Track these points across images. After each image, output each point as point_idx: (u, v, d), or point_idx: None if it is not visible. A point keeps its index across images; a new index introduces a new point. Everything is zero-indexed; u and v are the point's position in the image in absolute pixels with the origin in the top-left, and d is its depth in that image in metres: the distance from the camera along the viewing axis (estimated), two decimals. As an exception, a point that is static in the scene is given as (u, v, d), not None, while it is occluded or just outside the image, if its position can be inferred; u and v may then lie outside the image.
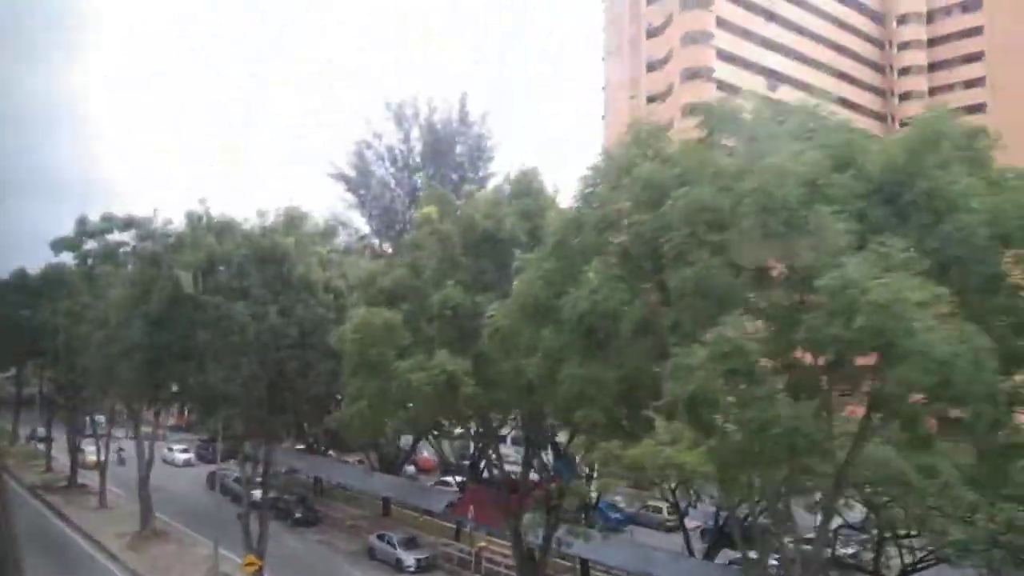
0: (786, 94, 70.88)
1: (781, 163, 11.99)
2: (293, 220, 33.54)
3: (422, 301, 20.56)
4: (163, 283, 30.35)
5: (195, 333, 30.11)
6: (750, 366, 10.99)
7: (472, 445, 40.82)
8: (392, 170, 68.73)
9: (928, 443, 12.90)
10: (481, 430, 28.40)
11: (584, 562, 31.27)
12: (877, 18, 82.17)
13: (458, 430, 33.18)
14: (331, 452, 57.79)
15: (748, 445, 11.16)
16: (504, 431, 31.70)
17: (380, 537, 38.09)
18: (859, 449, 14.89)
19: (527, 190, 22.47)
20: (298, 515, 46.22)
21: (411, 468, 55.56)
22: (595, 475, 31.95)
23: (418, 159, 67.45)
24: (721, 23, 65.59)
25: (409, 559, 35.43)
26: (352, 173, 67.50)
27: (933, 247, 11.65)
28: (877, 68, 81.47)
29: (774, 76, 70.85)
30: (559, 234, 14.94)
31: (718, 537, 30.61)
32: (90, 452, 51.69)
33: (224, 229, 31.98)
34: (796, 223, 11.68)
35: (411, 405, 19.89)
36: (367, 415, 20.78)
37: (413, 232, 23.57)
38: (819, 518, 23.95)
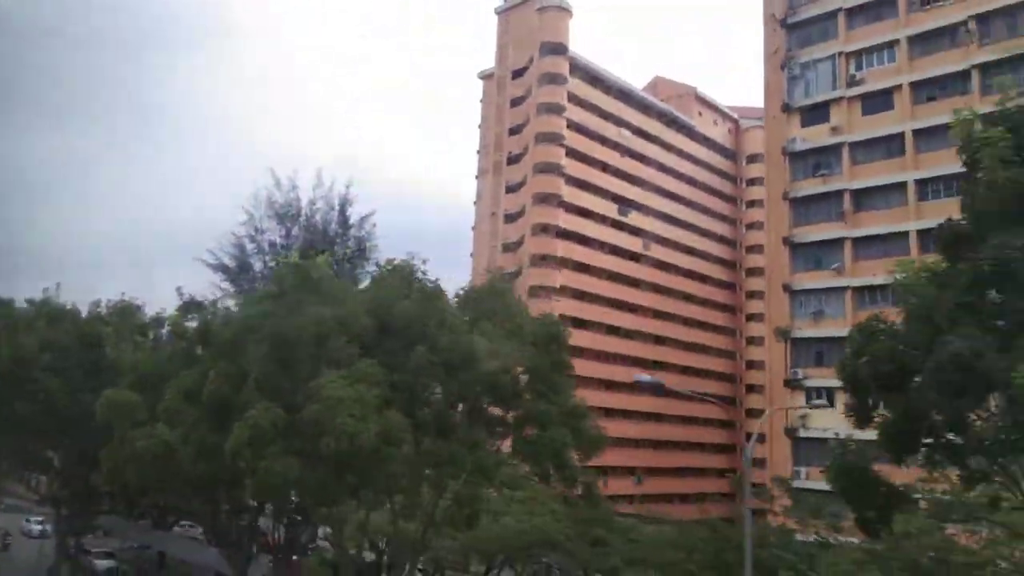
0: (637, 219, 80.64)
1: (321, 310, 19.61)
2: (123, 311, 40.43)
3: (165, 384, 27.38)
4: (-5, 361, 36.50)
5: (16, 407, 36.20)
6: (263, 433, 18.13)
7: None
8: (272, 264, 75.54)
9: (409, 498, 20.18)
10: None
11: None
12: (729, 155, 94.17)
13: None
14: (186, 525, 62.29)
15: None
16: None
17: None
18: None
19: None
20: (132, 585, 50.63)
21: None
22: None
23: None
24: (573, 154, 75.60)
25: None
26: (232, 264, 73.84)
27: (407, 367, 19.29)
28: (728, 199, 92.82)
29: (625, 202, 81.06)
30: (215, 342, 22.22)
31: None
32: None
33: (57, 315, 38.59)
34: (325, 346, 19.22)
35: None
36: (111, 475, 27.18)
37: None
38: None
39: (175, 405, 22.24)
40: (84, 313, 41.24)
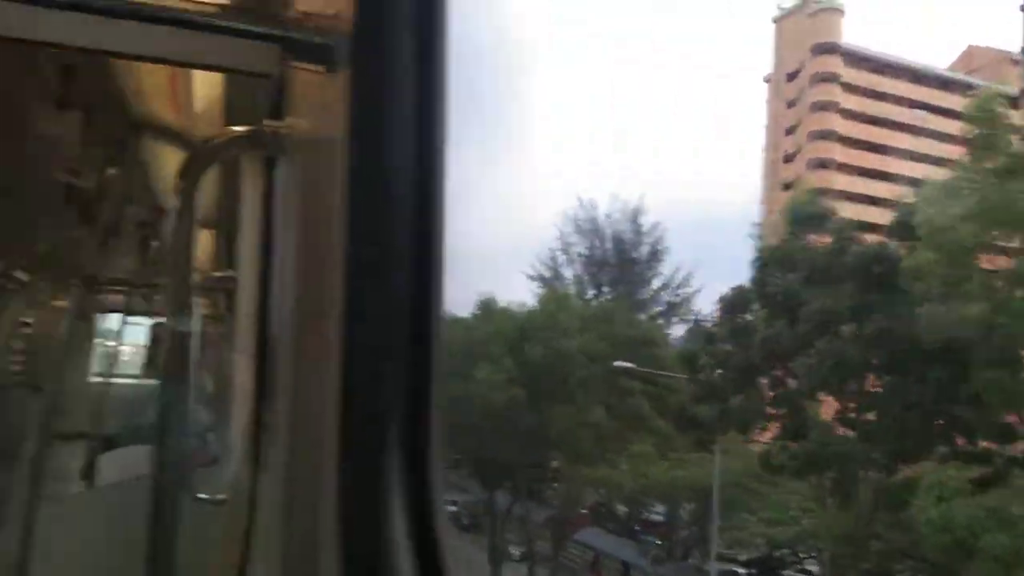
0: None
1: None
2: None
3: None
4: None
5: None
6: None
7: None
8: (580, 272, 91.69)
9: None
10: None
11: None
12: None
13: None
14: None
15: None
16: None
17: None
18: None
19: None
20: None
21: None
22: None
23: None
24: (858, 144, 79.03)
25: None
26: (547, 274, 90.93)
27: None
28: None
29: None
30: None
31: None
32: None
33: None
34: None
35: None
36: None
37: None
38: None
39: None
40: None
